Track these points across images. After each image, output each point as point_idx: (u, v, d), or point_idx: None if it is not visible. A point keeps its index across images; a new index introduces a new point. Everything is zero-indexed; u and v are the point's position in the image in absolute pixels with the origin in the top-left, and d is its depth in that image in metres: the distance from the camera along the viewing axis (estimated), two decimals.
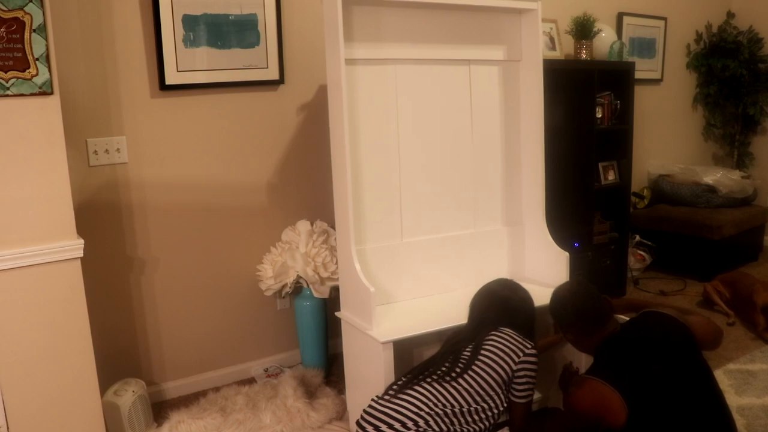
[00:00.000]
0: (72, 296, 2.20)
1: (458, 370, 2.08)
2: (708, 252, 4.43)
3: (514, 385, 2.13)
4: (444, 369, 2.10)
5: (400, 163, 2.71)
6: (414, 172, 2.74)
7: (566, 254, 2.84)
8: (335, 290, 2.92)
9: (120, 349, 2.87)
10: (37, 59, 2.05)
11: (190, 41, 2.83)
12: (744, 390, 2.85)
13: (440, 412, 1.96)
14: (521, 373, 2.12)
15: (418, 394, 2.02)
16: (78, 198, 2.45)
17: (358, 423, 2.02)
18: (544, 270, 2.93)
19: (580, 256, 3.71)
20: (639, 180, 4.81)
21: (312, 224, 3.10)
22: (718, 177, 4.67)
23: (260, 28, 2.98)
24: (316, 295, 2.99)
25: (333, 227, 2.93)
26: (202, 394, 2.95)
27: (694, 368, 1.98)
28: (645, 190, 4.92)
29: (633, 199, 4.59)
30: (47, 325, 2.17)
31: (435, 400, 2.00)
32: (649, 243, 4.56)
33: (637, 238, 4.53)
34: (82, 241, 2.19)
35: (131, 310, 2.90)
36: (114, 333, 2.83)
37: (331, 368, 3.21)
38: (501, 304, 2.30)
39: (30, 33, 2.03)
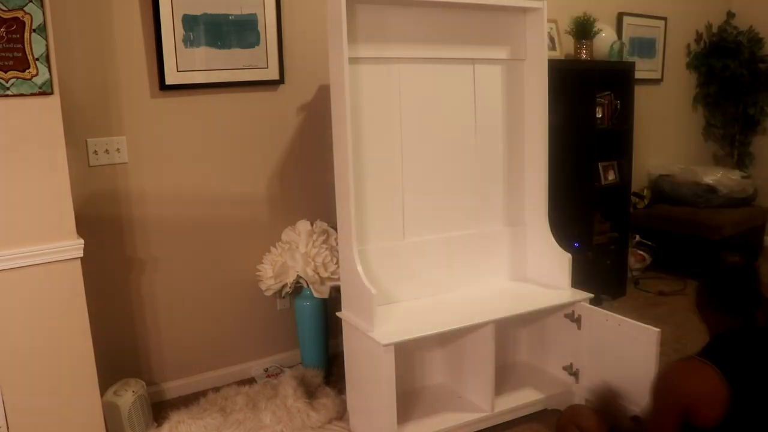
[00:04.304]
0: (72, 296, 2.20)
1: None
2: (708, 252, 4.42)
3: None
4: None
5: (403, 162, 2.70)
6: (417, 172, 2.74)
7: (569, 255, 2.84)
8: (335, 290, 2.92)
9: (120, 349, 2.87)
10: (37, 59, 2.04)
11: (190, 41, 2.83)
12: None
13: None
14: None
15: None
16: (78, 198, 2.44)
17: None
18: (546, 271, 2.93)
19: (580, 256, 3.71)
20: (639, 180, 4.81)
21: (312, 224, 3.10)
22: (718, 177, 4.67)
23: (260, 28, 2.97)
24: (316, 295, 2.99)
25: (333, 227, 2.93)
26: (202, 394, 2.95)
27: None
28: (645, 190, 4.92)
29: (633, 199, 4.58)
30: (47, 325, 2.17)
31: None
32: (649, 243, 4.56)
33: (637, 238, 4.53)
34: (82, 241, 2.18)
35: (131, 310, 2.90)
36: (114, 333, 2.83)
37: (331, 368, 3.21)
38: None
39: (30, 33, 2.02)
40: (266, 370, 3.21)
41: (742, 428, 1.60)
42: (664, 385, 1.73)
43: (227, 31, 2.90)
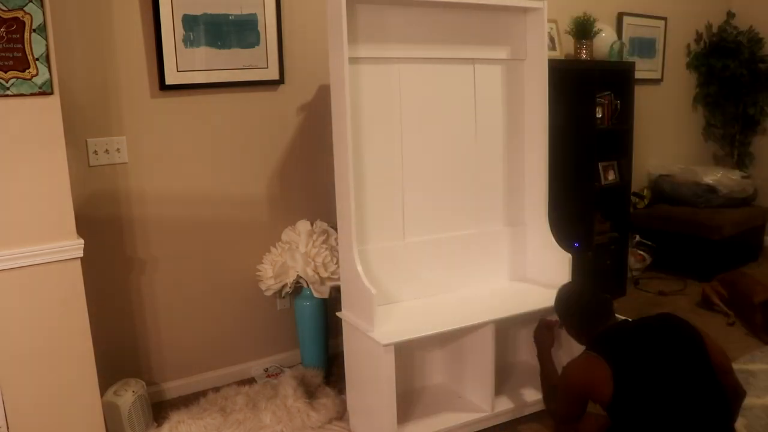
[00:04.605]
0: (72, 296, 2.20)
1: None
2: (708, 252, 4.42)
3: None
4: None
5: (403, 162, 2.70)
6: (417, 172, 2.74)
7: (569, 255, 2.84)
8: (335, 290, 2.92)
9: (120, 349, 2.87)
10: (37, 59, 2.04)
11: (190, 41, 2.83)
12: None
13: None
14: None
15: None
16: (78, 198, 2.44)
17: None
18: (546, 271, 2.93)
19: (580, 256, 3.71)
20: (639, 180, 4.81)
21: (312, 224, 3.10)
22: (718, 177, 4.67)
23: (260, 28, 2.97)
24: (316, 295, 2.99)
25: (333, 227, 2.93)
26: (202, 394, 2.95)
27: (692, 364, 1.98)
28: (645, 190, 4.92)
29: (633, 199, 4.59)
30: (47, 325, 2.17)
31: None
32: (649, 243, 4.56)
33: (637, 238, 4.53)
34: (82, 241, 2.18)
35: (131, 310, 2.90)
36: (114, 333, 2.83)
37: (331, 368, 3.21)
38: None
39: (30, 33, 2.02)
40: (266, 370, 3.21)
41: (629, 398, 1.92)
42: (564, 377, 2.15)
43: (227, 31, 2.90)
